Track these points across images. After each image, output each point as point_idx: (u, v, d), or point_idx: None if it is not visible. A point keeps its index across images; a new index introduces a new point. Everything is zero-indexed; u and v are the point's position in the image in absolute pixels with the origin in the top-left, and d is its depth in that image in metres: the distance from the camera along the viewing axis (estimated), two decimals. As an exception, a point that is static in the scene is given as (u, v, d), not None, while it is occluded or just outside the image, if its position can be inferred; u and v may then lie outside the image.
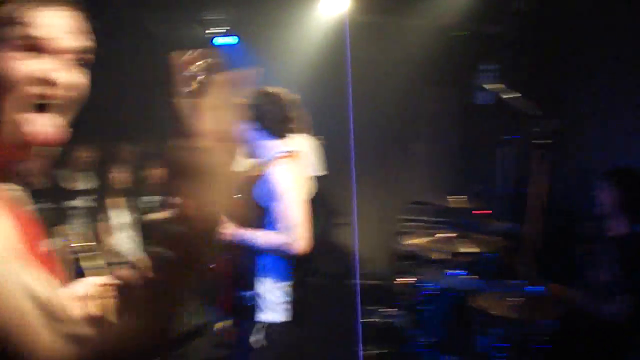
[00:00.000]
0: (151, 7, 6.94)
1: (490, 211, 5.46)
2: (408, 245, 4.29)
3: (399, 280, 4.63)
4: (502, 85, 3.89)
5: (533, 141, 3.42)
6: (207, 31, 7.45)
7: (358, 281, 6.07)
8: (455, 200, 4.57)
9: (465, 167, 7.67)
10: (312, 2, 6.83)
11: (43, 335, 0.99)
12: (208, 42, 7.59)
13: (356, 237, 6.45)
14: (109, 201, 5.46)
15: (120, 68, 7.32)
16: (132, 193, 5.70)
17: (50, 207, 4.50)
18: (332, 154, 5.72)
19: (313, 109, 6.15)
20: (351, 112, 5.34)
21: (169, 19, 7.38)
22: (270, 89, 3.48)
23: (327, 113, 5.98)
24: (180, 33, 7.54)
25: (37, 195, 4.23)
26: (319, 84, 6.79)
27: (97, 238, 5.12)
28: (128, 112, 7.41)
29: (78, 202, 5.11)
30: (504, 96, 3.77)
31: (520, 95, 3.71)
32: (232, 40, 7.61)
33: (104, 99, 7.87)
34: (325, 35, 6.99)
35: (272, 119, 3.42)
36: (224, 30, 7.46)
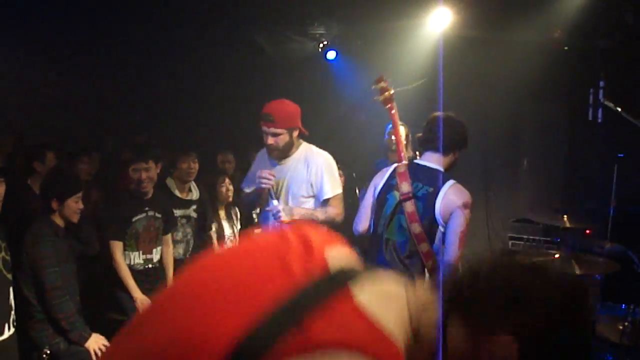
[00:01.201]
0: (261, 21, 7.20)
1: (597, 231, 5.36)
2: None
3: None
4: (614, 101, 3.85)
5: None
6: (316, 45, 7.63)
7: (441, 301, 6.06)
8: (566, 219, 4.49)
9: (576, 185, 7.52)
10: (417, 18, 6.90)
11: None
12: (316, 56, 7.78)
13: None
14: (216, 211, 5.62)
15: (230, 81, 7.65)
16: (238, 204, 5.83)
17: (159, 216, 4.69)
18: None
19: (416, 127, 6.27)
20: (441, 128, 5.36)
21: (277, 33, 7.63)
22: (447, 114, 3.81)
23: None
24: (289, 47, 7.78)
25: (147, 204, 4.53)
26: (420, 99, 6.86)
27: (205, 248, 5.25)
28: (238, 124, 7.70)
29: (187, 212, 5.28)
30: (619, 112, 3.73)
31: (633, 111, 3.67)
32: (331, 55, 7.78)
33: (215, 112, 8.29)
34: (429, 51, 7.06)
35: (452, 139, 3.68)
36: (328, 44, 7.63)
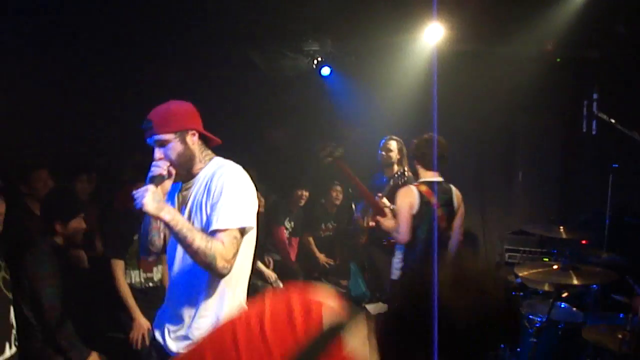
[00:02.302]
0: (255, 38, 7.24)
1: (593, 241, 5.39)
2: (514, 276, 4.29)
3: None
4: (608, 112, 3.89)
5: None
6: (310, 61, 7.67)
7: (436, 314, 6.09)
8: (562, 230, 4.52)
9: (571, 196, 7.56)
10: (410, 33, 6.95)
11: None
12: (311, 73, 7.82)
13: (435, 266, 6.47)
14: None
15: (225, 98, 7.67)
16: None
17: None
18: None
19: (410, 141, 6.31)
20: (435, 143, 5.42)
21: (271, 50, 7.67)
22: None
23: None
24: (284, 63, 7.82)
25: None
26: (414, 114, 6.91)
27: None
28: (233, 140, 7.72)
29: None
30: (613, 123, 3.77)
31: (624, 122, 3.70)
32: (325, 71, 7.82)
33: (210, 129, 8.29)
34: (422, 66, 7.12)
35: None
36: (323, 60, 7.67)
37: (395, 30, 6.72)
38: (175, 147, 2.80)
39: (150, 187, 2.64)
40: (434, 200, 4.61)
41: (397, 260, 4.73)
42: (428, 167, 4.75)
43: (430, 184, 4.69)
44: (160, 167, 2.76)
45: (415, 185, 4.70)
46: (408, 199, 4.60)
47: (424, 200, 4.60)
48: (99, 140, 7.39)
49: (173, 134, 2.81)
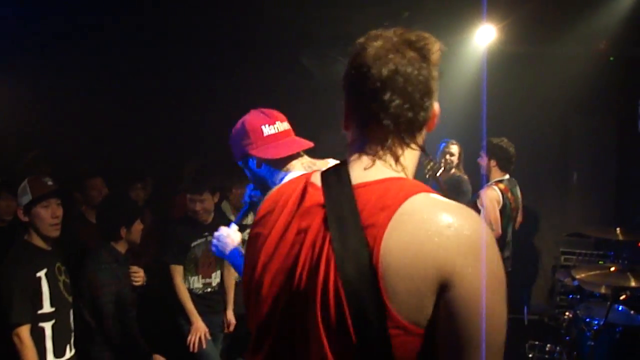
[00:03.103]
0: (306, 42, 7.29)
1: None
2: (571, 278, 4.26)
3: (563, 314, 4.59)
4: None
5: None
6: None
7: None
8: (618, 232, 4.46)
9: (627, 197, 7.42)
10: (462, 35, 6.94)
11: None
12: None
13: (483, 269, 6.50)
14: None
15: (277, 104, 7.74)
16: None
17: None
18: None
19: (465, 143, 6.29)
20: (485, 145, 5.43)
21: (323, 54, 7.71)
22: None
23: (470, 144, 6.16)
24: (335, 68, 7.86)
25: (207, 228, 4.58)
26: (466, 116, 6.89)
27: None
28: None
29: (243, 236, 5.33)
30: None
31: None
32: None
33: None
34: (474, 68, 7.09)
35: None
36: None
37: (446, 33, 6.69)
38: (248, 173, 2.64)
39: (231, 238, 2.66)
40: (510, 196, 5.32)
41: None
42: (504, 168, 5.39)
43: (507, 181, 5.37)
44: (256, 196, 2.72)
45: (495, 184, 5.30)
46: (494, 196, 5.21)
47: (505, 197, 5.24)
48: (153, 148, 7.52)
49: (240, 161, 2.62)
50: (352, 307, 1.15)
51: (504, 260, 4.87)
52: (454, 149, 6.07)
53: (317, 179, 1.40)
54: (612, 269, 3.97)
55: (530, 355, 4.56)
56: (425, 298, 1.14)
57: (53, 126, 6.51)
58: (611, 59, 7.23)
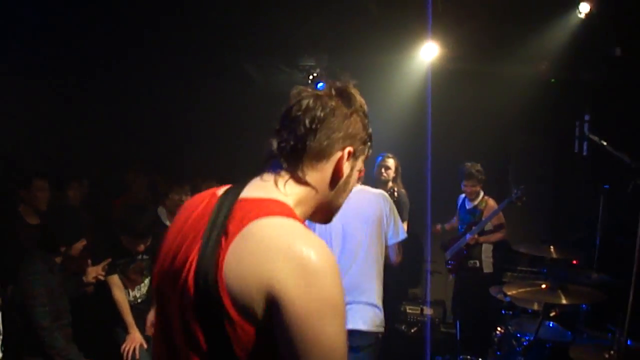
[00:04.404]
0: (251, 52, 7.28)
1: (583, 261, 5.41)
2: (505, 294, 4.30)
3: (495, 330, 4.64)
4: (600, 134, 3.92)
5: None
6: (305, 76, 7.68)
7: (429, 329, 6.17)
8: (552, 250, 4.53)
9: (562, 216, 7.58)
10: (406, 51, 7.01)
11: None
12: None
13: (428, 282, 6.56)
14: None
15: (220, 110, 7.69)
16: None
17: (147, 257, 4.62)
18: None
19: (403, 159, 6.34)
20: (430, 159, 5.48)
21: (267, 64, 7.71)
22: None
23: (413, 161, 6.21)
24: (278, 78, 7.85)
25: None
26: (409, 131, 6.95)
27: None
28: (226, 152, 7.75)
29: None
30: (604, 145, 3.80)
31: (617, 144, 3.73)
32: (321, 86, 7.82)
33: (204, 141, 8.33)
34: (417, 84, 7.16)
35: None
36: (318, 75, 7.67)
37: (391, 48, 6.76)
38: None
39: None
40: None
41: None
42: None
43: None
44: None
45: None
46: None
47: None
48: (93, 150, 7.40)
49: None
50: (198, 306, 1.31)
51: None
52: (390, 162, 6.12)
53: (222, 190, 1.54)
54: (543, 286, 4.02)
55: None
56: (257, 304, 1.25)
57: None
58: (552, 80, 7.39)
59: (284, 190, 1.48)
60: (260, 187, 1.49)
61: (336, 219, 1.68)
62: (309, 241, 1.29)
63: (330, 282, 1.26)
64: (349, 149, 1.54)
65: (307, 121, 1.48)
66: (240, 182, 1.55)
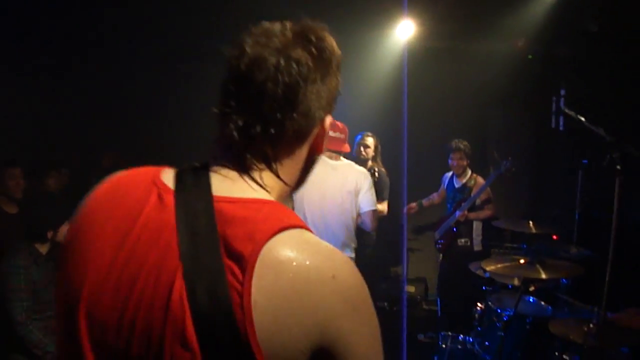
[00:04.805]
0: (227, 34, 7.22)
1: (563, 236, 5.45)
2: (485, 270, 4.31)
3: (476, 305, 4.66)
4: (576, 109, 3.93)
5: (617, 167, 3.46)
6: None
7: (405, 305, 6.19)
8: (532, 225, 4.56)
9: (541, 191, 7.62)
10: (382, 29, 6.97)
11: None
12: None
13: (405, 260, 6.57)
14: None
15: (199, 93, 7.65)
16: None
17: None
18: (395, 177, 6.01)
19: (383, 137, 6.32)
20: (405, 138, 5.47)
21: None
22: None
23: (391, 140, 6.21)
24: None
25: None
26: (386, 109, 6.93)
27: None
28: (207, 137, 7.69)
29: None
30: (580, 120, 3.80)
31: (594, 119, 3.74)
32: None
33: (181, 126, 8.28)
34: (394, 62, 7.13)
35: None
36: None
37: (367, 27, 6.71)
38: None
39: None
40: None
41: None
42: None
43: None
44: None
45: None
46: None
47: None
48: (73, 140, 7.34)
49: None
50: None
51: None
52: (370, 141, 6.09)
53: (168, 179, 1.11)
54: (522, 261, 4.04)
55: (443, 346, 4.61)
56: (301, 357, 0.95)
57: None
58: (530, 56, 7.39)
59: (264, 183, 1.11)
60: (232, 181, 1.09)
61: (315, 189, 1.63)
62: (342, 263, 1.02)
63: (371, 306, 1.05)
64: (328, 119, 1.20)
65: (279, 93, 1.07)
66: (186, 167, 1.14)
